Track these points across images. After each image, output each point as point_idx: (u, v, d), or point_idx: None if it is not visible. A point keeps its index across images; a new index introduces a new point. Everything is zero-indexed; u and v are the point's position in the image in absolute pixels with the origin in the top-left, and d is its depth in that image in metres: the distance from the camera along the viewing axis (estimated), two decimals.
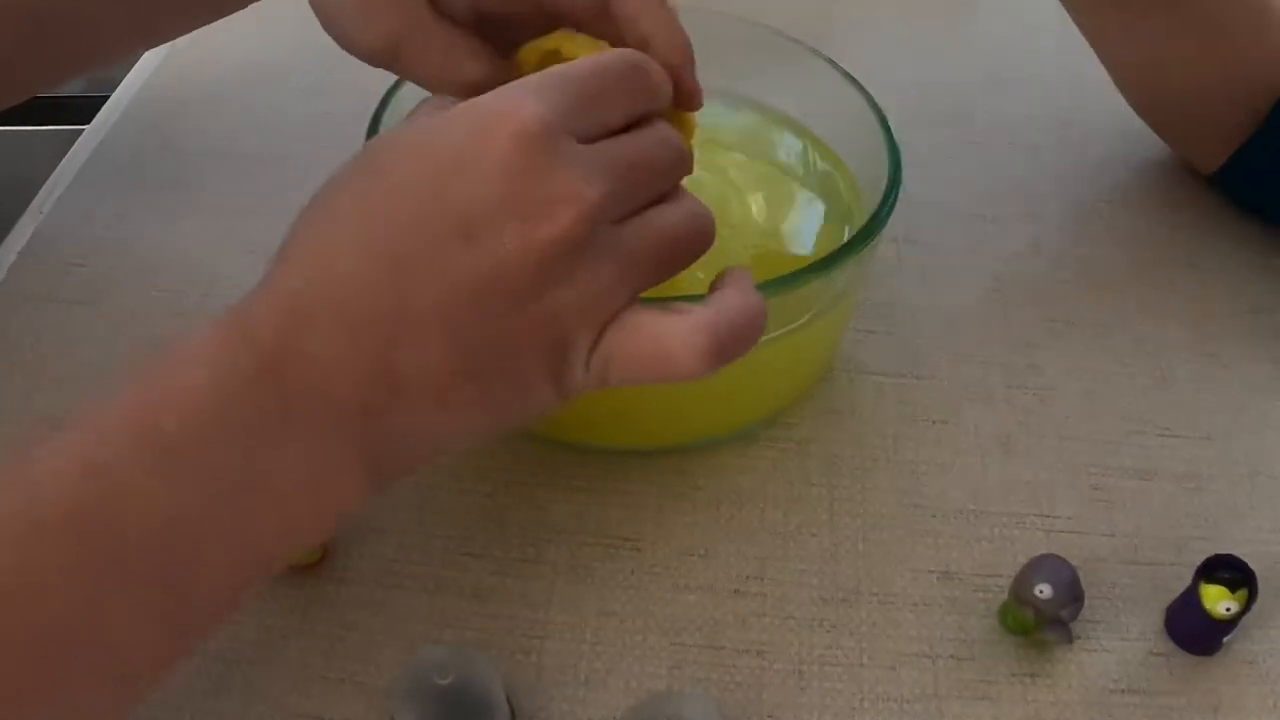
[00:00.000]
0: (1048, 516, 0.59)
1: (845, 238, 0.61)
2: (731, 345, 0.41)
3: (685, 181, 0.44)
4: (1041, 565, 0.54)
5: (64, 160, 0.78)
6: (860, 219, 0.59)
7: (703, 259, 0.44)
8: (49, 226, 0.74)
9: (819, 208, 0.65)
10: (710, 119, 0.66)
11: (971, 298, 0.69)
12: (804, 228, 0.64)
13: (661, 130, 0.43)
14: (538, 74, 0.40)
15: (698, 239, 0.43)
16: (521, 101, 0.39)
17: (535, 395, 0.41)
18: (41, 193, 0.76)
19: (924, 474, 0.60)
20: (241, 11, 0.67)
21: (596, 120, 0.41)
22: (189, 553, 0.37)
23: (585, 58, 0.42)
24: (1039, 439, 0.62)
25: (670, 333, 0.41)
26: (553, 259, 0.38)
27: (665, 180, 0.43)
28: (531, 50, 0.48)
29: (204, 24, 0.69)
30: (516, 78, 0.42)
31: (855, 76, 0.63)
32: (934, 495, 0.59)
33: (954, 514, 0.58)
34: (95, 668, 0.36)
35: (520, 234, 0.38)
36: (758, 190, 0.66)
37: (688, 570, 0.56)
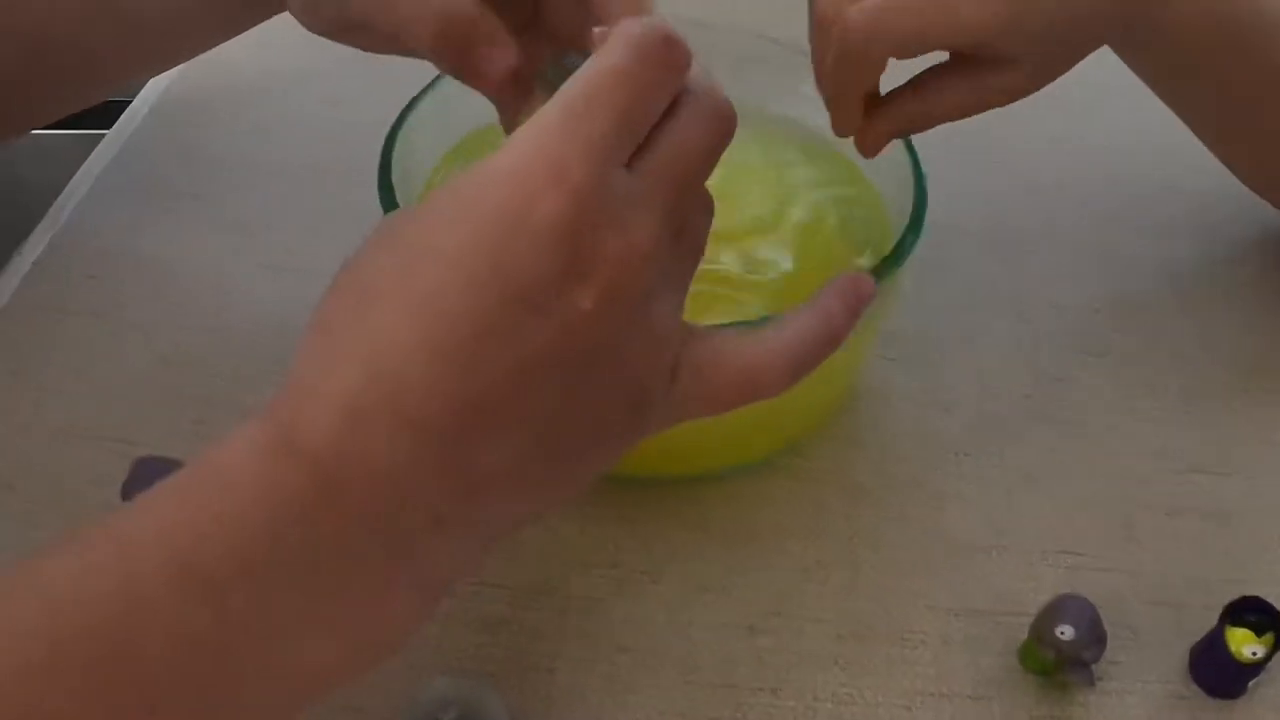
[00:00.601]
0: (1071, 553, 0.58)
1: (869, 262, 0.60)
2: (808, 364, 0.42)
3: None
4: (1064, 605, 0.53)
5: (80, 170, 0.78)
6: (886, 244, 0.58)
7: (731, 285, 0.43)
8: (64, 237, 0.73)
9: (844, 231, 0.63)
10: (737, 139, 0.65)
11: (998, 326, 0.68)
12: (830, 252, 0.63)
13: (700, 103, 0.39)
14: (563, 110, 0.36)
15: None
16: (565, 165, 0.35)
17: (614, 454, 0.40)
18: (57, 203, 0.76)
19: (946, 507, 0.59)
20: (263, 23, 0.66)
21: (637, 133, 0.38)
22: (226, 694, 0.34)
23: (601, 63, 0.37)
24: (1064, 473, 0.61)
25: (756, 363, 0.41)
26: (627, 312, 0.37)
27: (715, 156, 0.40)
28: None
29: (205, 50, 0.69)
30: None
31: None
32: (955, 529, 0.58)
33: (976, 549, 0.57)
34: None
35: (588, 295, 0.36)
36: (784, 210, 0.65)
37: (704, 605, 0.55)
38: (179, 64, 0.74)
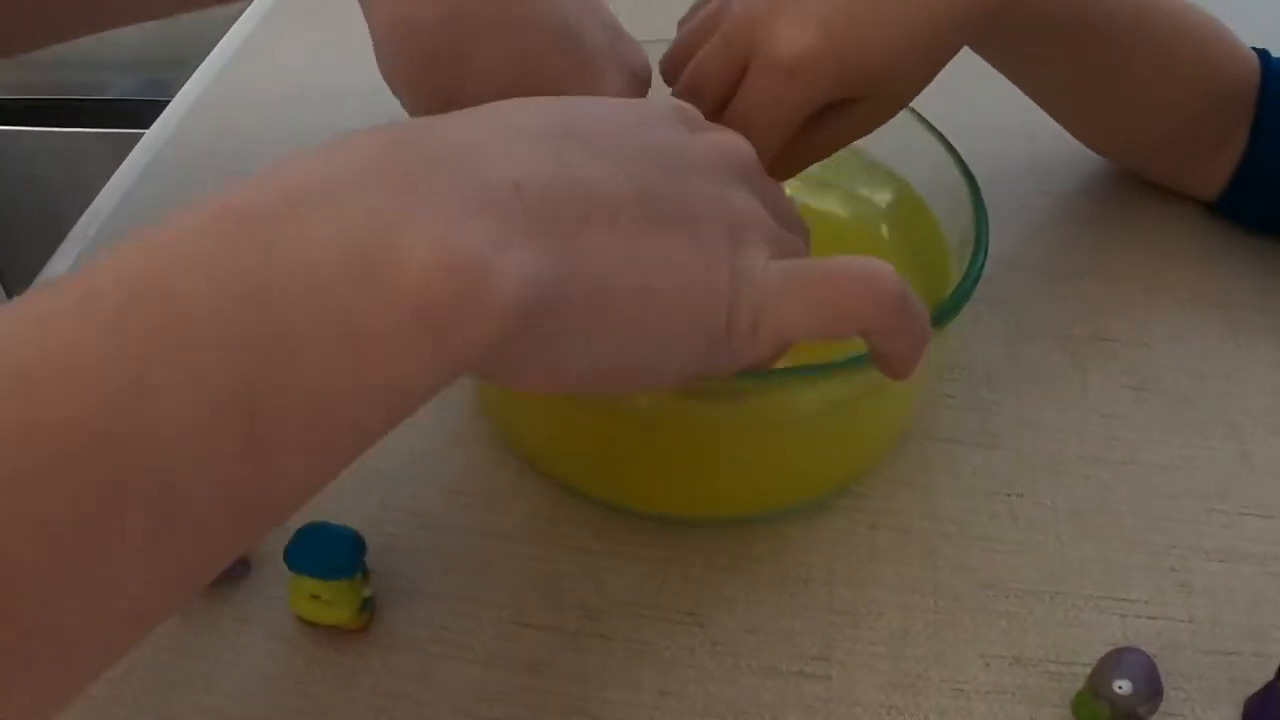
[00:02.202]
0: (1123, 600, 0.56)
1: (927, 288, 0.59)
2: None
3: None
4: (1122, 659, 0.52)
5: (108, 185, 0.77)
6: (944, 275, 0.57)
7: None
8: (95, 248, 0.72)
9: (910, 261, 0.62)
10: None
11: (1047, 360, 0.67)
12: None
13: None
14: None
15: None
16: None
17: (710, 273, 0.38)
18: (87, 214, 0.75)
19: (997, 551, 0.58)
20: (297, 29, 0.65)
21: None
22: (275, 345, 0.29)
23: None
24: (1116, 516, 0.60)
25: (862, 262, 0.41)
26: (728, 159, 0.41)
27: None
28: None
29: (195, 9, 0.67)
30: None
31: (928, 118, 0.62)
32: (1007, 574, 0.57)
33: (1028, 595, 0.56)
34: (143, 486, 0.28)
35: (696, 136, 0.41)
36: (848, 238, 0.64)
37: (751, 649, 0.54)
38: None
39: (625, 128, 0.39)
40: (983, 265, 0.54)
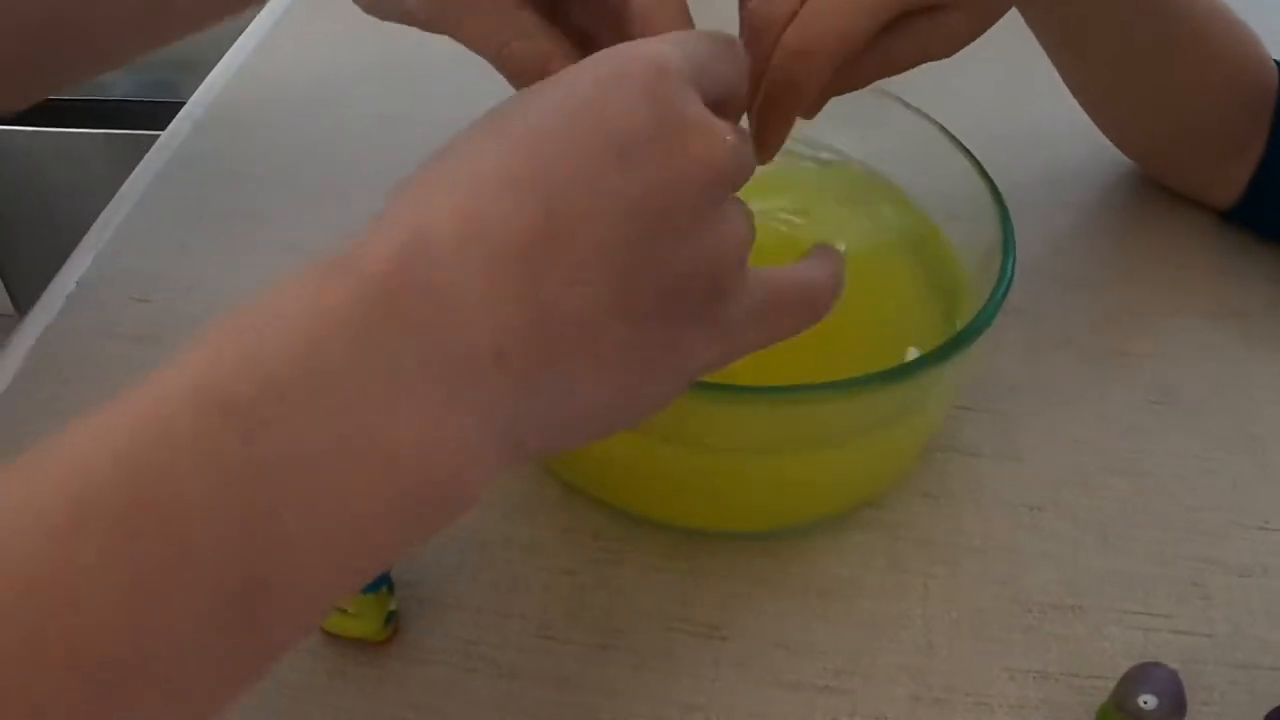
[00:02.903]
0: (1146, 614, 0.57)
1: (942, 305, 0.61)
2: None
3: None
4: (1148, 675, 0.52)
5: (123, 187, 0.76)
6: (964, 290, 0.57)
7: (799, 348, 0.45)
8: (109, 256, 0.72)
9: (919, 274, 0.63)
10: (810, 183, 0.65)
11: (1068, 373, 0.67)
12: (907, 304, 0.62)
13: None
14: (671, 38, 0.40)
15: None
16: (659, 46, 0.38)
17: (686, 356, 0.39)
18: (100, 220, 0.74)
19: (1021, 564, 0.58)
20: (312, 32, 0.64)
21: (710, 87, 0.39)
22: (270, 536, 0.30)
23: (705, 32, 0.42)
24: (1137, 529, 0.60)
25: (809, 277, 0.43)
26: (709, 186, 0.37)
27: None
28: None
29: (208, 28, 0.67)
30: None
31: (943, 124, 0.62)
32: (1031, 587, 0.57)
33: (1051, 608, 0.56)
34: (147, 688, 0.29)
35: (676, 161, 0.36)
36: (860, 261, 0.63)
37: (776, 662, 0.54)
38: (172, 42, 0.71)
39: (602, 173, 0.35)
40: (1010, 281, 0.54)
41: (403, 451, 0.32)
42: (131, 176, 0.77)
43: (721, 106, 0.40)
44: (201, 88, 0.84)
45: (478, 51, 0.49)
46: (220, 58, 0.87)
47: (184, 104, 0.83)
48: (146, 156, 0.78)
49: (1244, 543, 0.60)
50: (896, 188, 0.66)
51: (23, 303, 1.34)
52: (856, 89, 0.52)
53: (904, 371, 0.50)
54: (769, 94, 0.50)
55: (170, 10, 0.63)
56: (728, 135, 0.38)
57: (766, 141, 0.51)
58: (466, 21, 0.47)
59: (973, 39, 0.52)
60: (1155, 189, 0.79)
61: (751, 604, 0.56)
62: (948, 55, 0.52)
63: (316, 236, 0.71)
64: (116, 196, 0.76)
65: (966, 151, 0.60)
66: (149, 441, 0.29)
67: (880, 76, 0.52)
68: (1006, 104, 0.62)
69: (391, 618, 0.53)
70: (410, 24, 0.50)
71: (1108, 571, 0.58)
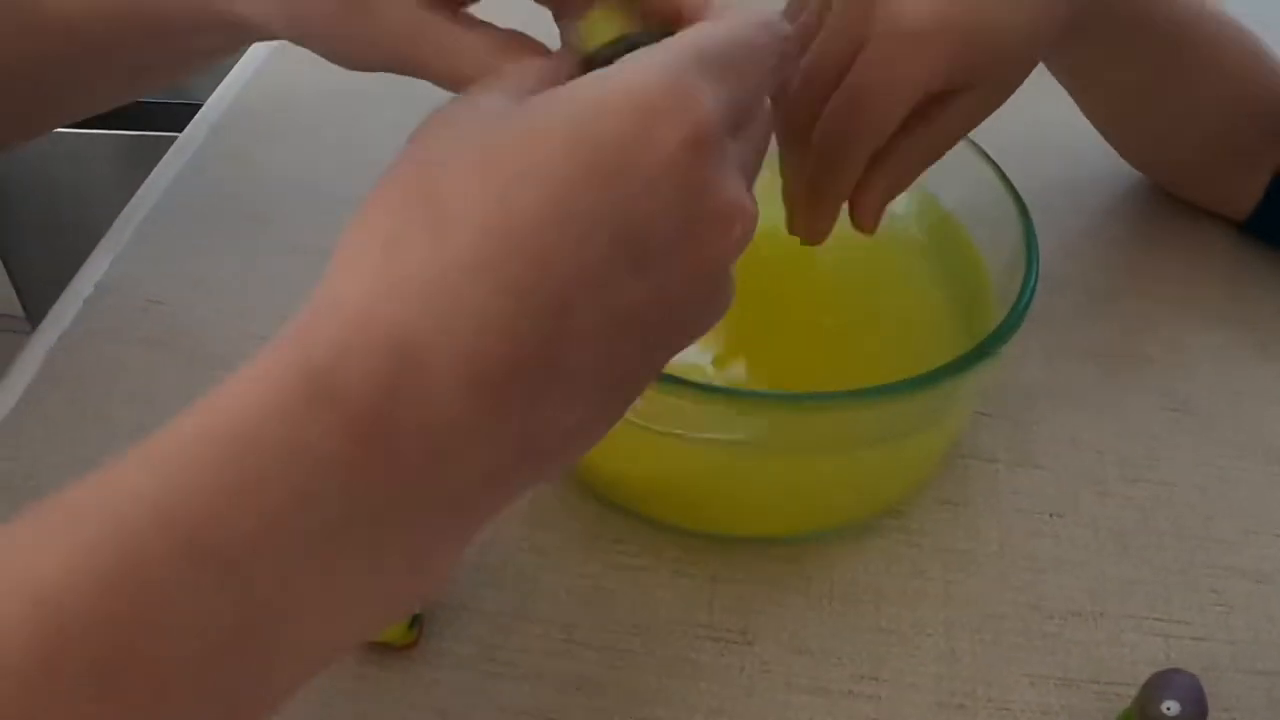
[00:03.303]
0: (1165, 620, 0.57)
1: (963, 307, 0.61)
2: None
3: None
4: (1170, 681, 0.52)
5: (140, 189, 0.76)
6: (986, 294, 0.57)
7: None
8: (126, 259, 0.72)
9: (942, 281, 0.63)
10: None
11: (1086, 381, 0.67)
12: (930, 305, 0.62)
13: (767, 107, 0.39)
14: (693, 46, 0.34)
15: None
16: (693, 95, 0.32)
17: (659, 364, 0.37)
18: (118, 222, 0.74)
19: (1041, 570, 0.58)
20: None
21: (745, 107, 0.36)
22: (247, 677, 0.29)
23: (734, 25, 0.36)
24: (1156, 537, 0.60)
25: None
26: (717, 276, 0.35)
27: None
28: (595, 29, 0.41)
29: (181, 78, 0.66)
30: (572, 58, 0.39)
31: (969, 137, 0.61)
32: (1051, 594, 0.57)
33: (1071, 615, 0.56)
34: None
35: (693, 261, 0.33)
36: (880, 263, 0.64)
37: (799, 668, 0.54)
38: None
39: (614, 284, 0.32)
40: (1034, 290, 0.54)
41: (393, 585, 0.32)
42: (148, 180, 0.77)
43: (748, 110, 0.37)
44: (218, 91, 0.84)
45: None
46: (236, 61, 0.87)
47: (198, 106, 0.83)
48: (163, 160, 0.78)
49: (1262, 550, 0.60)
50: (922, 189, 0.66)
51: (30, 304, 1.33)
52: (907, 185, 0.54)
53: (928, 380, 0.50)
54: (814, 184, 0.52)
55: (151, 71, 0.62)
56: (748, 212, 0.34)
57: (816, 229, 0.53)
58: (433, 64, 0.44)
59: (993, 111, 0.55)
60: (1172, 199, 0.79)
61: (774, 609, 0.56)
62: (967, 133, 0.55)
63: (332, 240, 0.71)
64: (133, 199, 0.76)
65: (991, 161, 0.60)
66: (123, 586, 0.27)
67: (923, 168, 0.54)
68: (1026, 114, 0.62)
69: (416, 622, 0.53)
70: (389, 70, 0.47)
71: (1127, 579, 0.59)
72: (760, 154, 0.38)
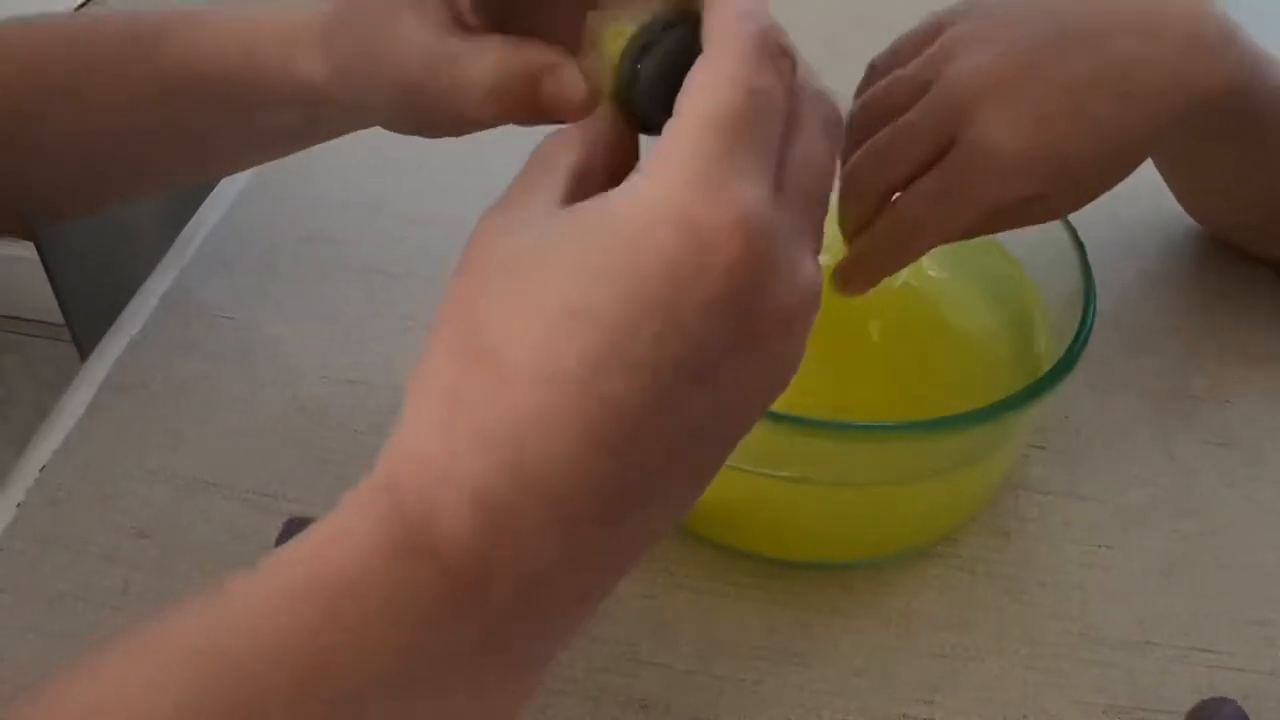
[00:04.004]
0: (1210, 651, 0.58)
1: (1019, 340, 0.63)
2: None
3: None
4: (1215, 710, 0.53)
5: (203, 205, 0.77)
6: (1041, 333, 0.59)
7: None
8: (191, 274, 0.73)
9: (999, 315, 0.65)
10: None
11: (1134, 417, 0.68)
12: (987, 346, 0.63)
13: (817, 109, 0.36)
14: (711, 125, 0.32)
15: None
16: (733, 197, 0.31)
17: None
18: (180, 238, 0.76)
19: (1090, 600, 0.59)
20: None
21: (776, 152, 0.34)
22: None
23: (737, 76, 0.33)
24: (1200, 568, 0.61)
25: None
26: (782, 371, 0.35)
27: (836, 163, 0.37)
28: (612, 32, 0.40)
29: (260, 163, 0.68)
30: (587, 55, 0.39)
31: None
32: (1100, 623, 0.58)
33: (1119, 644, 0.58)
34: None
35: (756, 364, 0.33)
36: (940, 299, 0.66)
37: (855, 691, 0.55)
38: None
39: (678, 406, 0.32)
40: (1091, 329, 0.55)
41: (496, 702, 0.33)
42: (210, 197, 0.79)
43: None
44: None
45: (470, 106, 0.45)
46: None
47: None
48: (228, 178, 0.80)
49: None
50: None
51: (70, 310, 1.35)
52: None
53: (986, 415, 0.51)
54: (871, 250, 0.55)
55: (220, 148, 0.63)
56: (809, 300, 0.34)
57: (860, 283, 0.57)
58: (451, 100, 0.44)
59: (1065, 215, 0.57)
60: (1217, 244, 0.80)
61: (831, 633, 0.57)
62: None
63: (394, 265, 0.72)
64: (196, 216, 0.77)
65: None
66: None
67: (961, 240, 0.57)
68: None
69: None
70: (471, 130, 0.47)
71: (1173, 610, 0.60)
72: (817, 180, 0.36)
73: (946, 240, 0.55)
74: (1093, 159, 0.54)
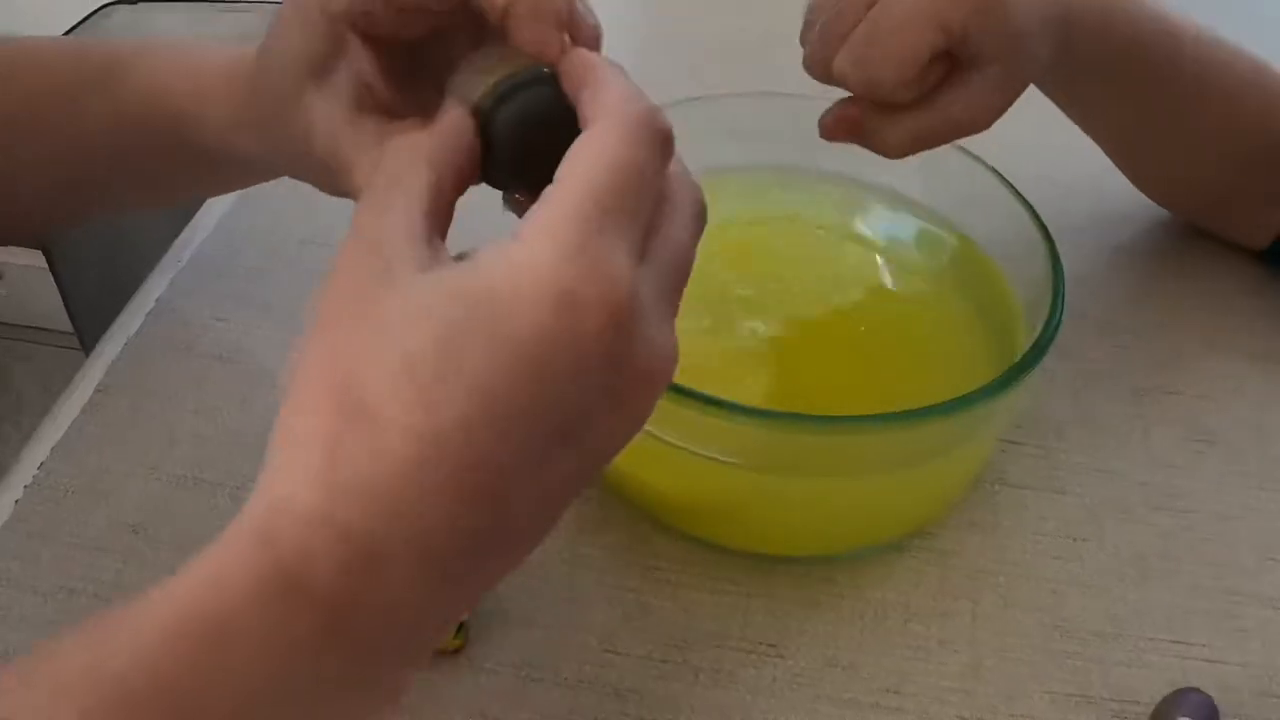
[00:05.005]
0: (1183, 643, 0.59)
1: (997, 339, 0.63)
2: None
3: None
4: (1184, 700, 0.54)
5: (199, 213, 0.79)
6: (1018, 326, 0.59)
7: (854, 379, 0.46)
8: (186, 278, 0.74)
9: (974, 312, 0.66)
10: (871, 222, 0.67)
11: (1113, 412, 0.69)
12: (963, 337, 0.64)
13: (686, 194, 0.38)
14: (590, 197, 0.34)
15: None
16: (608, 268, 0.33)
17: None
18: (177, 243, 0.77)
19: (1064, 593, 0.60)
20: None
21: (647, 227, 0.36)
22: None
23: (618, 153, 0.35)
24: (1176, 563, 0.62)
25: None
26: (645, 417, 0.37)
27: (694, 250, 0.38)
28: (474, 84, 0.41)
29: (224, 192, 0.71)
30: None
31: (996, 169, 0.65)
32: (1073, 615, 0.59)
33: (1092, 636, 0.58)
34: None
35: (622, 420, 0.36)
36: (914, 296, 0.66)
37: (829, 680, 0.56)
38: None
39: (547, 460, 0.34)
40: (1060, 319, 0.56)
41: (359, 715, 0.35)
42: (205, 205, 0.80)
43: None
44: None
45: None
46: None
47: None
48: None
49: (1278, 579, 0.62)
50: (955, 226, 0.68)
51: (81, 322, 1.37)
52: (911, 154, 0.59)
53: (956, 405, 0.52)
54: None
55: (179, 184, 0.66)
56: (668, 362, 0.36)
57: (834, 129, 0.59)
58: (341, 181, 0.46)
59: (1006, 103, 0.59)
60: (1198, 235, 0.81)
61: (806, 625, 0.58)
62: (981, 122, 0.59)
63: None
64: (191, 222, 0.79)
65: (1021, 196, 0.63)
66: None
67: (929, 146, 0.59)
68: (1053, 150, 0.65)
69: (462, 628, 0.55)
70: (317, 181, 0.51)
71: (1148, 602, 0.60)
72: (681, 257, 0.38)
73: (900, 82, 0.56)
74: (1017, 12, 0.56)
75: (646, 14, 1.11)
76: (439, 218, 0.37)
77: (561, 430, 0.34)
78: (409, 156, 0.38)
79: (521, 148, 0.39)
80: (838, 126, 0.59)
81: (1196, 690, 0.54)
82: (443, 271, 0.34)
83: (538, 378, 0.32)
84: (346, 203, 0.77)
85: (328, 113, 0.45)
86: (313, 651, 0.32)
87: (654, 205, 0.36)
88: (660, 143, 0.36)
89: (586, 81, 0.38)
